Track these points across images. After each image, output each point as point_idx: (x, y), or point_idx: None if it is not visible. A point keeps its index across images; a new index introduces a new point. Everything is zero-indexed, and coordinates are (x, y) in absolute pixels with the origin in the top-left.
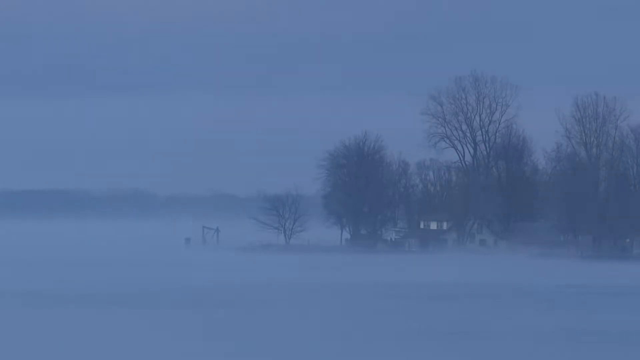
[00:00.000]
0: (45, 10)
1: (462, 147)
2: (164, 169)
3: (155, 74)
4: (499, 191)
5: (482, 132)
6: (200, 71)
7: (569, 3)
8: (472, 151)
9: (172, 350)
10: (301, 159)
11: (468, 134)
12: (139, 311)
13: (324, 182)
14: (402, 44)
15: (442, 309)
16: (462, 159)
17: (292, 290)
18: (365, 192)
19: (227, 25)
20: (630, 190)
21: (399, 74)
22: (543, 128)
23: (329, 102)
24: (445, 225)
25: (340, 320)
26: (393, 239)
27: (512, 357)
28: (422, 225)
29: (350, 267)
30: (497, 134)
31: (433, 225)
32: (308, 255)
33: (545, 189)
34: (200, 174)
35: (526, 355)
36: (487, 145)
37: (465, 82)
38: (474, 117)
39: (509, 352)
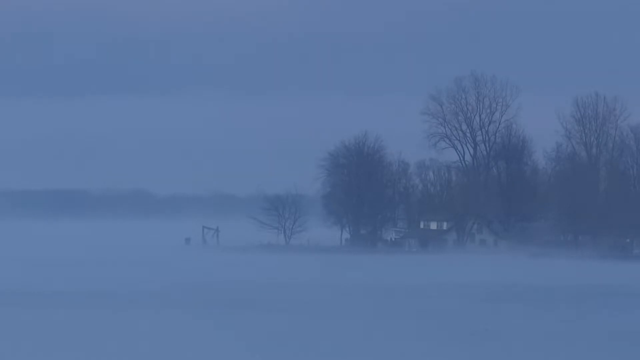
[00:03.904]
0: (47, 10)
1: (462, 147)
2: (164, 169)
3: (155, 74)
4: (499, 191)
5: (482, 132)
6: (200, 71)
7: (568, 3)
8: (472, 151)
9: (173, 350)
10: (301, 159)
11: (468, 134)
12: (139, 311)
13: (324, 182)
14: (402, 44)
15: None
16: (462, 159)
17: (293, 290)
18: (365, 192)
19: (227, 25)
20: (630, 190)
21: (399, 74)
22: (543, 128)
23: (329, 102)
24: (445, 225)
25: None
26: (393, 239)
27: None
28: (422, 225)
29: (353, 267)
30: (497, 134)
31: (433, 225)
32: (310, 255)
33: (545, 189)
34: (200, 174)
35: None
36: (487, 145)
37: (465, 82)
38: (474, 117)
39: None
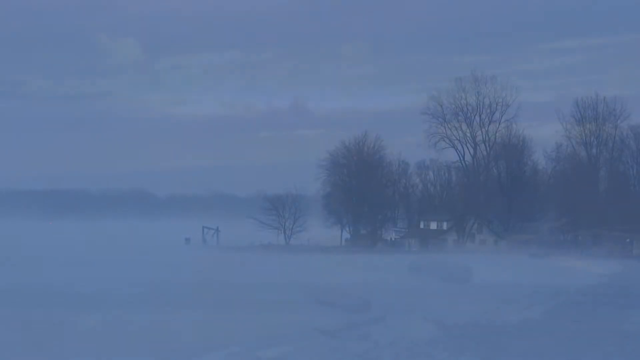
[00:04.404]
0: (49, 9)
1: (462, 147)
2: (164, 169)
3: (155, 74)
4: (499, 191)
5: (482, 132)
6: (199, 71)
7: (568, 3)
8: (472, 151)
9: (172, 350)
10: (301, 159)
11: (468, 134)
12: (138, 311)
13: (324, 182)
14: (402, 44)
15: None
16: (462, 159)
17: (293, 290)
18: (365, 192)
19: (226, 24)
20: (630, 190)
21: (399, 74)
22: (543, 128)
23: (329, 102)
24: (445, 225)
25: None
26: (393, 239)
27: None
28: (422, 225)
29: (353, 267)
30: (497, 134)
31: (433, 225)
32: (310, 255)
33: (546, 189)
34: (200, 174)
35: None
36: (487, 145)
37: (465, 82)
38: (474, 117)
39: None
